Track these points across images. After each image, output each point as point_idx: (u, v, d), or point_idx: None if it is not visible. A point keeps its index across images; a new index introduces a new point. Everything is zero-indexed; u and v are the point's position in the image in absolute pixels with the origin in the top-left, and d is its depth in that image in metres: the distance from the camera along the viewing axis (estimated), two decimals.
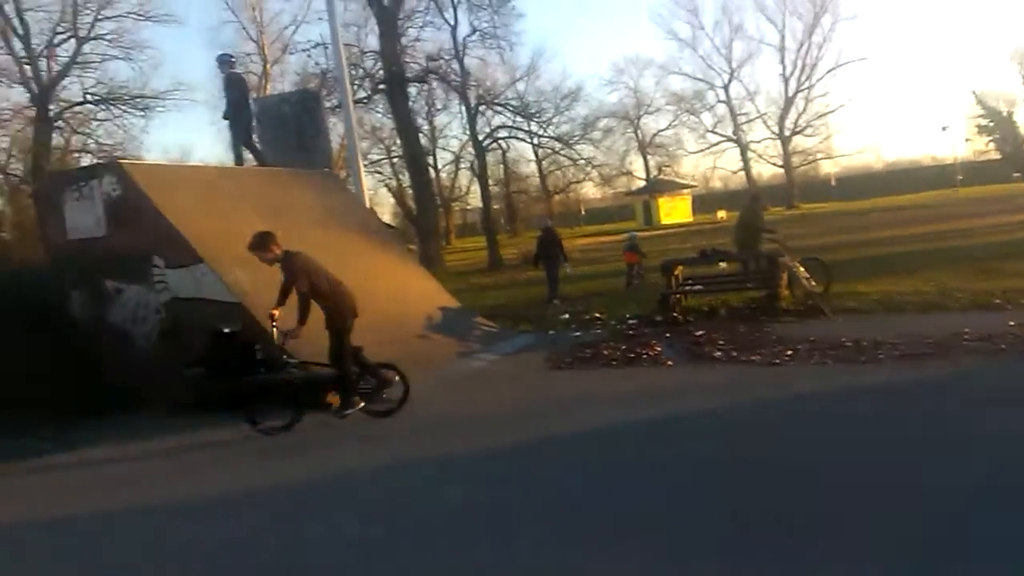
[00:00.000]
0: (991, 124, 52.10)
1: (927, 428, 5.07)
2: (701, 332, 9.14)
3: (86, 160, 29.00)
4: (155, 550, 4.28)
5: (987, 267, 11.91)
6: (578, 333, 10.30)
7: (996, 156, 52.48)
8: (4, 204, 31.70)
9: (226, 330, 7.60)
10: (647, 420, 5.90)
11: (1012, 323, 7.65)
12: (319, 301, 6.53)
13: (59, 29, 28.52)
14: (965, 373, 6.25)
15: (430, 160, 38.98)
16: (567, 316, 11.73)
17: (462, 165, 45.85)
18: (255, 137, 10.79)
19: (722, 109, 55.41)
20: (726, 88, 53.28)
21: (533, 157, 47.84)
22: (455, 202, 52.32)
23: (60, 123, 30.10)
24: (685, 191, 51.76)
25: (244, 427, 6.65)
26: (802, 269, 10.77)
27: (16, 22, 27.45)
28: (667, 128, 56.42)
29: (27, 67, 27.96)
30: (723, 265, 12.61)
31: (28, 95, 28.49)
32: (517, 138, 34.32)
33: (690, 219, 47.03)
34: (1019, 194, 33.48)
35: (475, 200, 49.39)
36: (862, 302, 10.09)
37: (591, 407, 6.55)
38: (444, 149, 47.04)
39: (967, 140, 56.35)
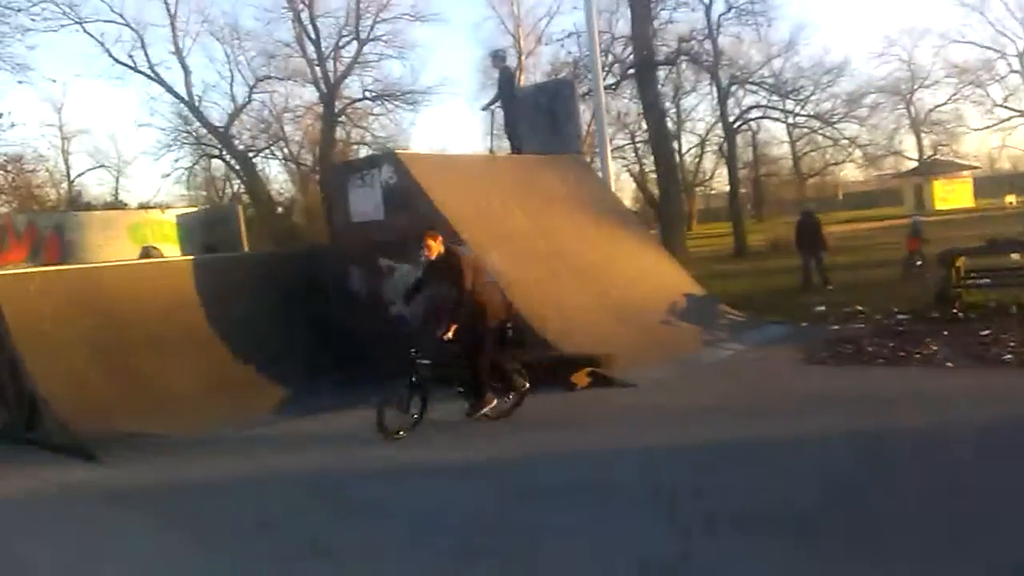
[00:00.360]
0: None
1: None
2: (987, 331, 8.09)
3: (364, 152, 32.24)
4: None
5: None
6: (836, 327, 9.60)
7: None
8: (296, 192, 36.28)
9: None
10: (915, 428, 5.35)
11: None
12: (475, 299, 6.24)
13: (343, 33, 31.75)
14: None
15: (675, 144, 38.22)
16: (823, 308, 10.96)
17: (707, 148, 44.37)
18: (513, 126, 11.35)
19: (1015, 80, 47.98)
20: (1021, 56, 46.05)
21: (786, 138, 45.02)
22: (698, 187, 50.83)
23: (342, 118, 33.68)
24: (965, 173, 45.82)
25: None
26: None
27: (309, 28, 31.09)
28: (946, 103, 49.97)
29: (317, 68, 31.52)
30: (1016, 256, 11.03)
31: (318, 94, 32.18)
32: (770, 118, 32.43)
33: (971, 204, 41.62)
34: None
35: (719, 184, 47.63)
36: None
37: (852, 406, 6.08)
38: (690, 132, 45.83)
39: None
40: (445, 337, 6.02)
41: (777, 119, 32.81)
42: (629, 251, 10.38)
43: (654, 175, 30.05)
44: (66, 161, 39.60)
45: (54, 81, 37.83)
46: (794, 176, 48.48)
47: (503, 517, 4.33)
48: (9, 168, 24.86)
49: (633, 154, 38.89)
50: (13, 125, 25.34)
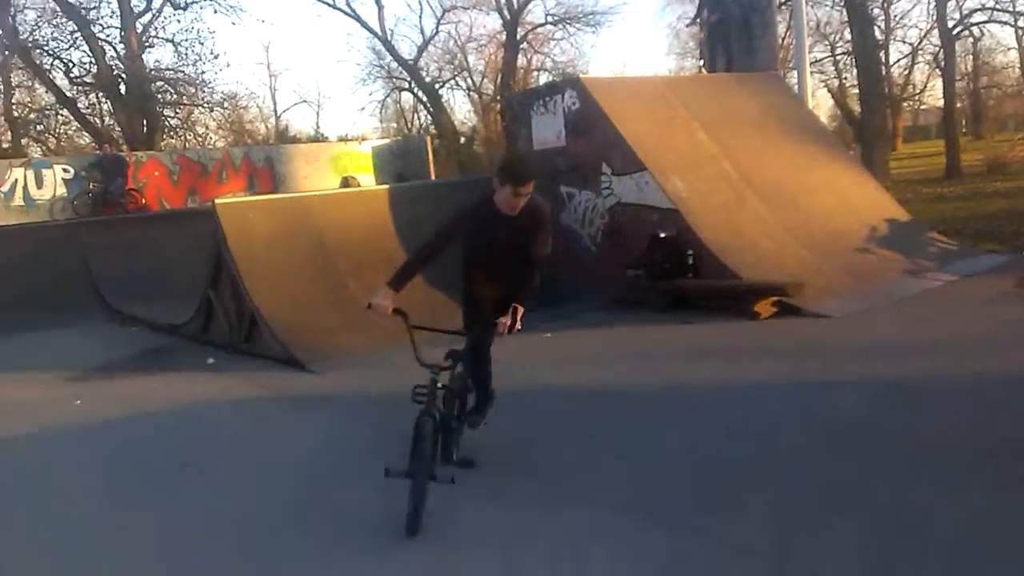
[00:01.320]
0: None
1: None
2: None
3: (544, 78, 32.19)
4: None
5: None
6: None
7: None
8: (478, 122, 37.02)
9: (662, 235, 8.05)
10: None
11: None
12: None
13: None
14: None
15: (881, 55, 34.65)
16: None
17: (919, 59, 39.86)
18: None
19: None
20: None
21: (1014, 44, 39.43)
22: (906, 101, 46.03)
23: (524, 45, 33.68)
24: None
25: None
26: None
27: None
28: None
29: None
30: None
31: (501, 21, 32.34)
32: (997, 21, 28.55)
33: None
34: None
35: (931, 99, 42.86)
36: None
37: None
38: (900, 40, 41.33)
39: None
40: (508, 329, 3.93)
41: (1005, 22, 28.83)
42: (825, 173, 9.74)
43: (855, 91, 27.62)
44: (273, 98, 42.79)
45: (263, 22, 40.61)
46: (1020, 88, 42.55)
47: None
48: (225, 105, 27.24)
49: (833, 68, 35.96)
50: (228, 65, 27.61)
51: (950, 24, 25.23)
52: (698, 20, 10.94)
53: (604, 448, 4.39)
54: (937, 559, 2.89)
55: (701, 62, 11.07)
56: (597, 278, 8.73)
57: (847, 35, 27.75)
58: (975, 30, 30.10)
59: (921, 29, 36.71)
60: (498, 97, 32.61)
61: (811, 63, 32.68)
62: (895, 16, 36.55)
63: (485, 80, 35.82)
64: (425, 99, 33.92)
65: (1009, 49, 40.52)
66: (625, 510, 3.51)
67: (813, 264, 8.00)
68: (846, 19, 24.66)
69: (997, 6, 26.54)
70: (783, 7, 17.14)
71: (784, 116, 10.36)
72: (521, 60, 33.92)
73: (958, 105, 32.51)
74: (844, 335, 6.41)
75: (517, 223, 3.88)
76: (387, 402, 5.74)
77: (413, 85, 33.61)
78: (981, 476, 3.52)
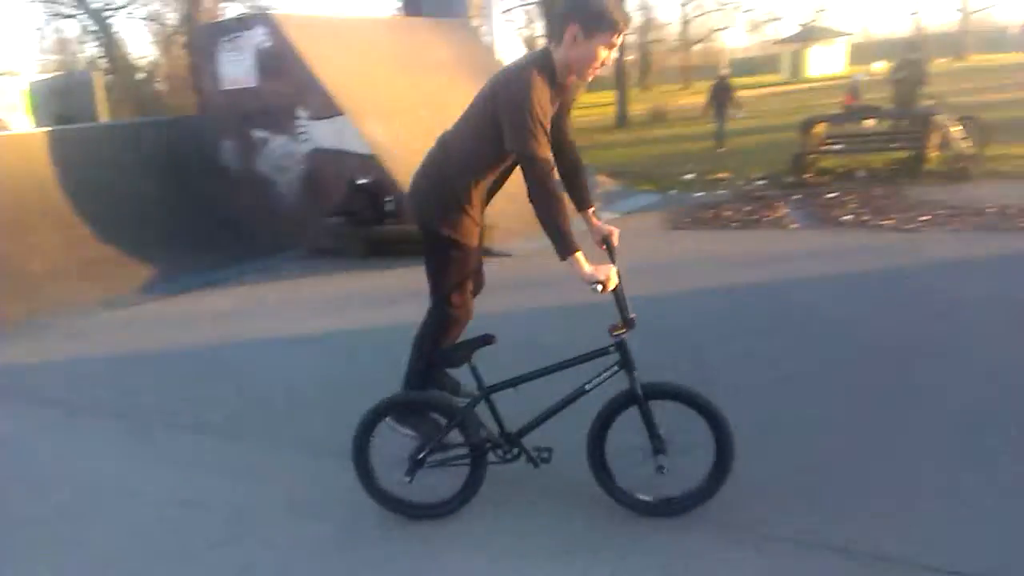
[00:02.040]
0: None
1: None
2: (832, 194, 8.83)
3: (236, 9, 29.94)
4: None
5: None
6: (701, 194, 10.17)
7: None
8: (159, 56, 33.60)
9: (361, 181, 8.12)
10: (749, 283, 5.91)
11: None
12: None
13: None
14: None
15: None
16: (691, 176, 11.54)
17: None
18: None
19: None
20: None
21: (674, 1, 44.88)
22: None
23: None
24: (839, 39, 47.34)
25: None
26: (957, 129, 10.00)
27: None
28: None
29: None
30: (870, 123, 11.85)
31: None
32: None
33: (845, 72, 43.30)
34: None
35: None
36: (1019, 167, 9.33)
37: (698, 268, 6.63)
38: None
39: None
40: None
41: None
42: None
43: (543, 40, 29.51)
44: None
45: None
46: (681, 43, 48.82)
47: None
48: None
49: (524, 16, 38.01)
50: None
51: None
52: None
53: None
54: None
55: (399, 5, 11.07)
56: (296, 228, 8.60)
57: None
58: None
59: None
60: (182, 29, 29.81)
61: (503, 11, 34.48)
62: None
63: (167, 9, 32.42)
64: (94, 27, 29.86)
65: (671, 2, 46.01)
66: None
67: (501, 206, 8.57)
68: None
69: None
70: None
71: (473, 65, 10.83)
72: None
73: (628, 57, 36.31)
74: (522, 269, 7.04)
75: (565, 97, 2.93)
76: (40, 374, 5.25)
77: (78, 10, 29.39)
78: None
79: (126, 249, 7.91)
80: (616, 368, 2.77)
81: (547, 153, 2.69)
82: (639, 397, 2.73)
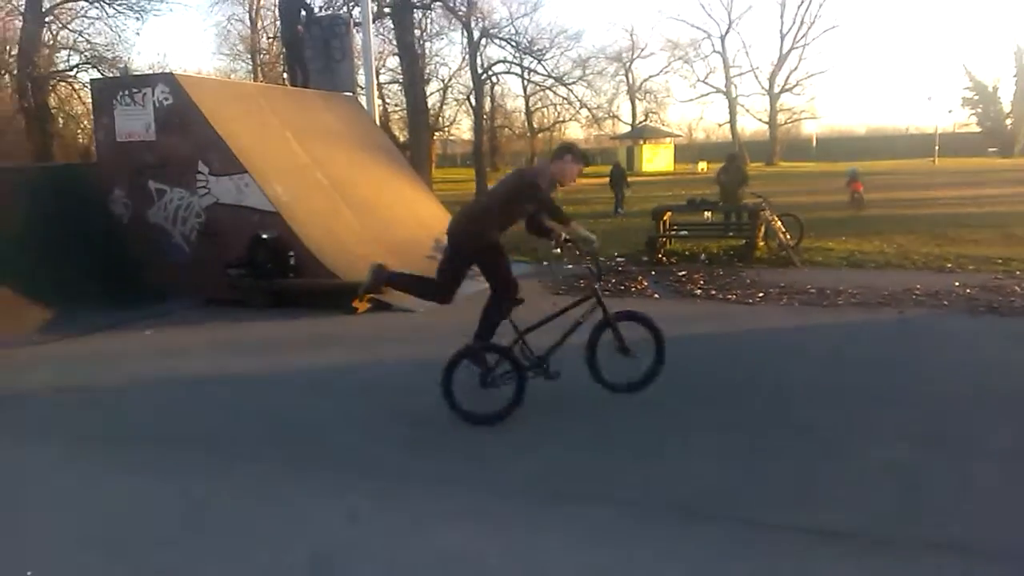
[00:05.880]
0: (976, 97, 53.72)
1: (872, 355, 6.15)
2: (683, 272, 10.17)
3: (76, 58, 28.77)
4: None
5: (945, 234, 13.05)
6: (570, 266, 11.24)
7: (976, 130, 54.15)
8: None
9: (265, 236, 8.46)
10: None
11: (958, 284, 8.75)
12: None
13: None
14: (909, 320, 7.34)
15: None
16: (559, 250, 12.64)
17: (449, 96, 45.90)
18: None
19: (716, 60, 55.78)
20: (723, 39, 53.34)
21: (521, 93, 48.00)
22: (438, 132, 52.49)
23: (49, 18, 29.61)
24: (668, 140, 52.32)
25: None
26: (779, 223, 11.79)
27: None
28: (658, 74, 56.71)
29: None
30: (707, 215, 13.60)
31: None
32: (513, 73, 34.70)
33: (672, 168, 47.80)
34: (991, 169, 34.86)
35: (458, 131, 49.65)
36: (829, 257, 11.17)
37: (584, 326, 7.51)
38: (434, 77, 47.02)
39: (949, 111, 57.87)
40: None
41: (518, 75, 35.06)
42: (399, 189, 11.14)
43: (396, 115, 30.71)
44: None
45: None
46: (526, 130, 51.89)
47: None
48: None
49: (377, 93, 39.14)
50: None
51: (479, 70, 29.75)
52: (277, 35, 11.49)
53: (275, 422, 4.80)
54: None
55: (285, 75, 11.60)
56: (191, 278, 8.72)
57: (388, 63, 30.73)
58: (495, 78, 35.96)
59: (451, 68, 42.35)
60: (13, 72, 28.13)
61: (359, 88, 35.44)
62: (429, 55, 41.51)
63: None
64: None
65: (518, 96, 49.05)
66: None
67: (396, 267, 9.18)
68: (395, 50, 27.38)
69: (513, 60, 32.09)
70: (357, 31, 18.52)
71: (362, 135, 11.53)
72: (46, 34, 29.77)
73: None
74: (424, 324, 7.69)
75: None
76: None
77: None
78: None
79: (17, 292, 7.75)
80: (595, 305, 4.88)
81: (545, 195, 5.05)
82: (611, 322, 4.86)
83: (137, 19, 31.02)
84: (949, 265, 10.13)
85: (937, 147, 46.07)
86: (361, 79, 14.87)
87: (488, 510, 3.59)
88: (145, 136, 8.83)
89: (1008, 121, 53.03)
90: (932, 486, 3.72)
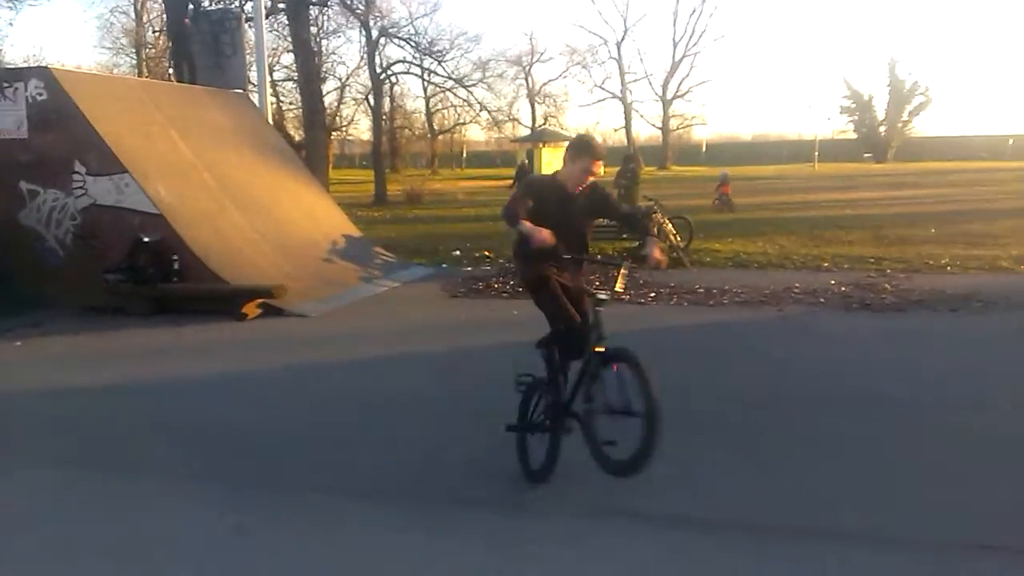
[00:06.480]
0: (853, 106, 57.33)
1: (756, 349, 6.47)
2: None
3: None
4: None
5: (823, 235, 13.85)
6: (469, 268, 11.28)
7: (853, 136, 57.73)
8: None
9: (146, 239, 8.08)
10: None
11: (833, 282, 9.29)
12: None
13: None
14: (788, 317, 7.74)
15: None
16: (458, 252, 12.68)
17: (347, 95, 45.11)
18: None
19: (612, 66, 57.14)
20: (619, 45, 54.70)
21: (421, 94, 47.80)
22: (335, 132, 51.54)
23: None
24: (567, 143, 52.99)
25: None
26: (670, 225, 12.20)
27: None
28: (557, 78, 57.59)
29: None
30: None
31: None
32: (413, 74, 34.44)
33: None
34: (866, 173, 37.20)
35: (357, 131, 48.90)
36: (716, 258, 11.64)
37: (485, 328, 7.59)
38: (332, 76, 46.10)
39: (828, 119, 61.56)
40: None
41: (418, 76, 34.83)
42: (293, 190, 10.86)
43: (291, 114, 29.99)
44: None
45: None
46: (426, 131, 51.69)
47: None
48: None
49: (271, 91, 38.06)
50: None
51: (378, 70, 29.35)
52: (164, 29, 10.99)
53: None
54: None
55: (172, 70, 11.12)
56: (66, 284, 8.23)
57: (283, 60, 29.99)
58: (393, 77, 35.59)
59: (348, 67, 41.65)
60: None
61: (252, 86, 34.31)
62: (328, 51, 40.69)
63: None
64: None
65: (417, 97, 48.74)
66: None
67: (289, 270, 8.98)
68: (289, 47, 26.69)
69: (413, 60, 31.85)
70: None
71: (254, 133, 11.18)
72: None
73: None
74: (320, 329, 7.54)
75: (581, 199, 3.96)
76: None
77: None
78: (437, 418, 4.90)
79: None
80: None
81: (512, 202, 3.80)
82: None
83: (10, 8, 28.71)
84: (826, 264, 10.75)
85: (817, 153, 48.77)
86: (253, 76, 14.43)
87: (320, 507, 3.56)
88: (16, 134, 8.27)
89: (882, 128, 56.73)
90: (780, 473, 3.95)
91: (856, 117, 57.92)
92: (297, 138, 28.95)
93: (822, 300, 8.40)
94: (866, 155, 53.58)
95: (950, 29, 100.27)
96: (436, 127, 52.13)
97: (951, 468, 3.96)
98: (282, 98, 35.77)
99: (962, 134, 59.89)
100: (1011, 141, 52.99)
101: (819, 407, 5.00)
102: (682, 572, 3.07)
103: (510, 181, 20.97)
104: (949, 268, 10.38)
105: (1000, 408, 4.87)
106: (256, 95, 14.35)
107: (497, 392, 5.17)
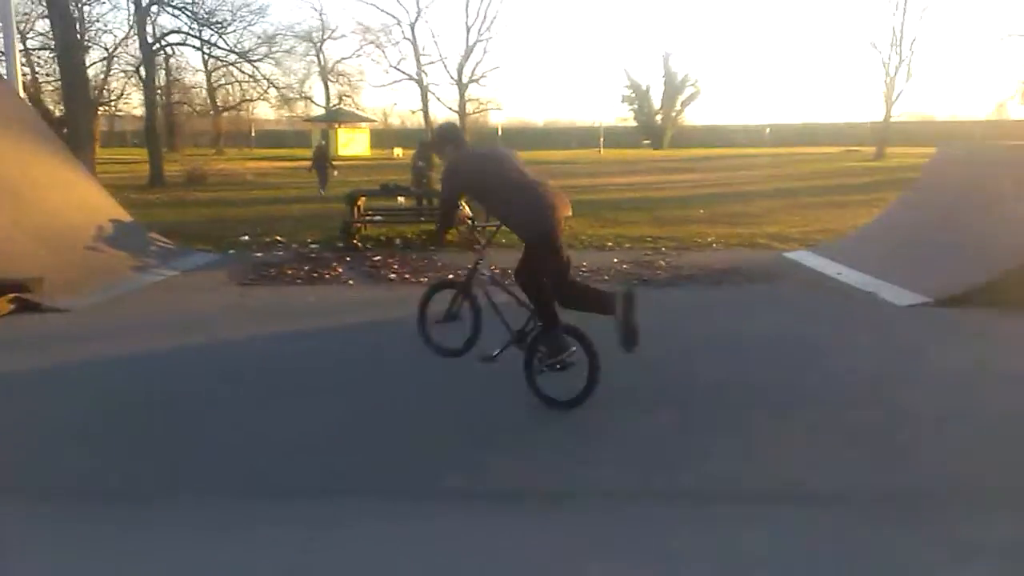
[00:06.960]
0: (633, 95, 61.37)
1: None
2: (378, 257, 10.22)
3: None
4: None
5: (607, 217, 14.70)
6: (259, 254, 10.73)
7: (633, 124, 61.82)
8: None
9: None
10: (324, 328, 6.78)
11: (616, 260, 9.90)
12: None
13: None
14: None
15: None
16: (247, 237, 12.01)
17: (115, 67, 40.95)
18: None
19: (407, 47, 56.65)
20: (412, 26, 54.20)
21: (202, 67, 44.61)
22: (102, 107, 46.77)
23: None
24: (364, 124, 52.17)
25: None
26: (467, 209, 12.33)
27: None
28: (351, 56, 56.19)
29: None
30: (401, 200, 13.81)
31: None
32: (190, 46, 31.90)
33: (369, 154, 47.77)
34: (645, 159, 39.98)
35: (128, 107, 44.63)
36: (511, 239, 11.93)
37: (273, 316, 7.25)
38: (96, 45, 41.59)
39: (611, 108, 65.43)
40: None
41: (196, 48, 32.40)
42: (49, 170, 9.66)
43: (50, 88, 26.83)
44: None
45: None
46: (208, 107, 48.41)
47: None
48: None
49: (24, 61, 33.73)
50: None
51: (149, 40, 26.90)
52: None
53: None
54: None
55: None
56: None
57: (39, 26, 26.76)
58: (169, 49, 32.79)
59: (116, 36, 37.82)
60: None
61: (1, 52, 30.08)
62: (91, 18, 36.66)
63: None
64: None
65: (197, 71, 45.41)
66: None
67: (48, 261, 8.00)
68: (44, 12, 23.79)
69: (190, 31, 29.52)
70: None
71: (1, 110, 9.82)
72: None
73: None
74: (86, 324, 6.81)
75: None
76: None
77: None
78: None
79: None
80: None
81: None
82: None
83: None
84: (609, 244, 11.44)
85: (602, 139, 51.71)
86: None
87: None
88: None
89: (658, 117, 61.26)
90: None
91: (636, 106, 62.07)
92: (57, 113, 25.88)
93: (606, 278, 8.91)
94: (645, 142, 57.65)
95: (717, 25, 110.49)
96: (220, 103, 48.94)
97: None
98: (38, 69, 31.73)
99: (726, 123, 66.43)
100: (768, 130, 59.47)
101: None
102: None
103: (308, 162, 21.12)
104: (715, 245, 11.44)
105: (742, 365, 5.45)
106: (3, 65, 12.63)
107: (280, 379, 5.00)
